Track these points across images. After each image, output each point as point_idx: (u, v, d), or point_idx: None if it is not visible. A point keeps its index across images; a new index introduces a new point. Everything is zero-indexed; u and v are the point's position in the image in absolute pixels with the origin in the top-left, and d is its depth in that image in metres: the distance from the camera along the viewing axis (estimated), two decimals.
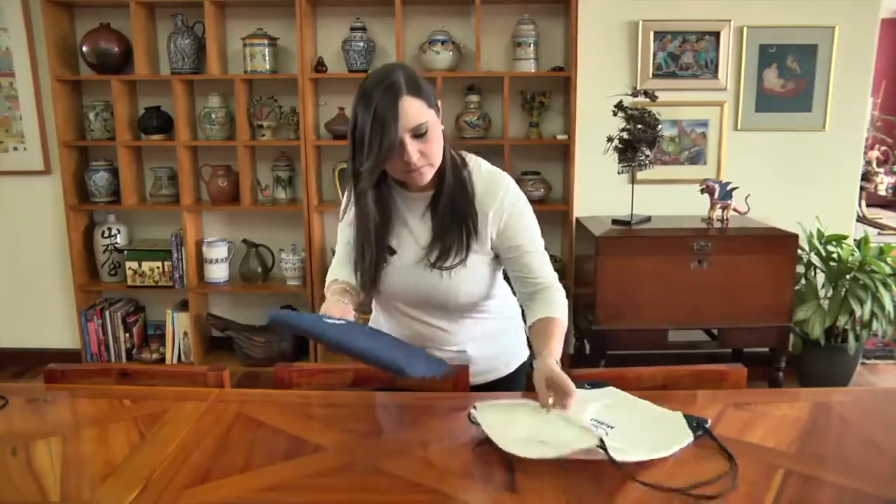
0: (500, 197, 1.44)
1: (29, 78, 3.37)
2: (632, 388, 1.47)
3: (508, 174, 1.52)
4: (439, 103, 1.40)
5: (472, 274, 1.46)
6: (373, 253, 1.46)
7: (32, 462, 1.16)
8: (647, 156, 2.89)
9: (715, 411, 1.32)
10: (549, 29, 3.29)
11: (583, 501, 1.03)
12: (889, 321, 3.02)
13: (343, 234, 1.61)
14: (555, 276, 1.50)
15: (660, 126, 2.89)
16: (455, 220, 1.42)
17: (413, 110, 1.30)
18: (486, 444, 1.17)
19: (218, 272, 3.44)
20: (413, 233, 1.46)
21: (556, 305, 1.44)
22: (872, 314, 3.01)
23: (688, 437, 1.19)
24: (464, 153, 1.50)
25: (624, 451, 1.11)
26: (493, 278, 1.53)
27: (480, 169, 1.47)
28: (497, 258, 1.50)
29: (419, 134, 1.31)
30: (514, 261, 1.47)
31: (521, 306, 1.55)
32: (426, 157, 1.34)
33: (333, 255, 1.66)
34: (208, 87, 3.32)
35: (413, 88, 1.31)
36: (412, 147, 1.31)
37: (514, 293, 1.56)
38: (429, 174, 1.37)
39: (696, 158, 3.42)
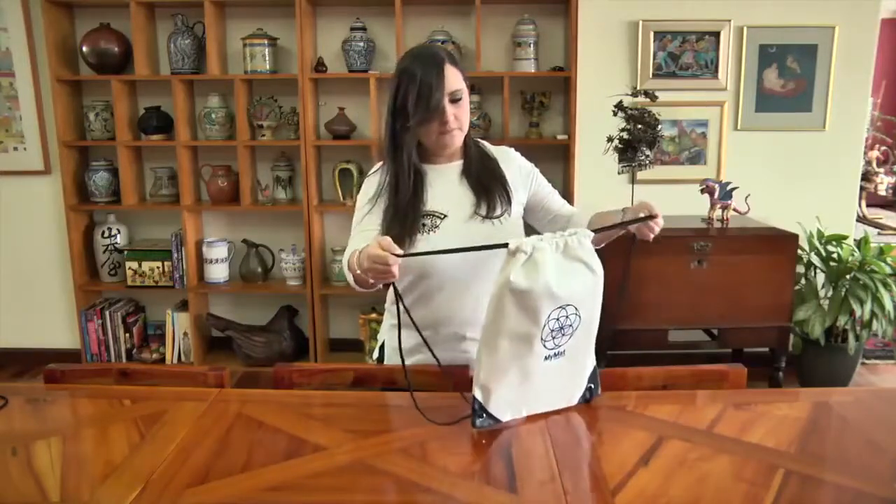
0: (516, 160, 1.69)
1: (29, 78, 3.37)
2: (631, 388, 1.48)
3: None
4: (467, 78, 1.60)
5: (516, 223, 1.62)
6: (409, 209, 1.53)
7: (32, 462, 1.16)
8: (647, 156, 2.89)
9: (715, 411, 1.32)
10: (549, 29, 3.29)
11: (583, 502, 1.03)
12: (889, 321, 3.02)
13: (363, 215, 1.59)
14: None
15: (660, 126, 2.89)
16: (491, 177, 1.61)
17: (452, 77, 1.51)
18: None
19: (218, 272, 3.44)
20: (455, 196, 1.59)
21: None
22: (872, 314, 3.00)
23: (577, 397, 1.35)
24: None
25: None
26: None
27: (488, 144, 1.71)
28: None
29: (455, 99, 1.52)
30: (547, 207, 1.70)
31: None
32: (459, 120, 1.54)
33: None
34: (208, 87, 3.32)
35: (452, 60, 1.53)
36: (449, 109, 1.51)
37: None
38: (459, 138, 1.57)
39: (696, 158, 3.42)
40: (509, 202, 1.60)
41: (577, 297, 1.27)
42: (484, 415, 1.24)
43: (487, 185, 1.59)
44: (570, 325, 1.28)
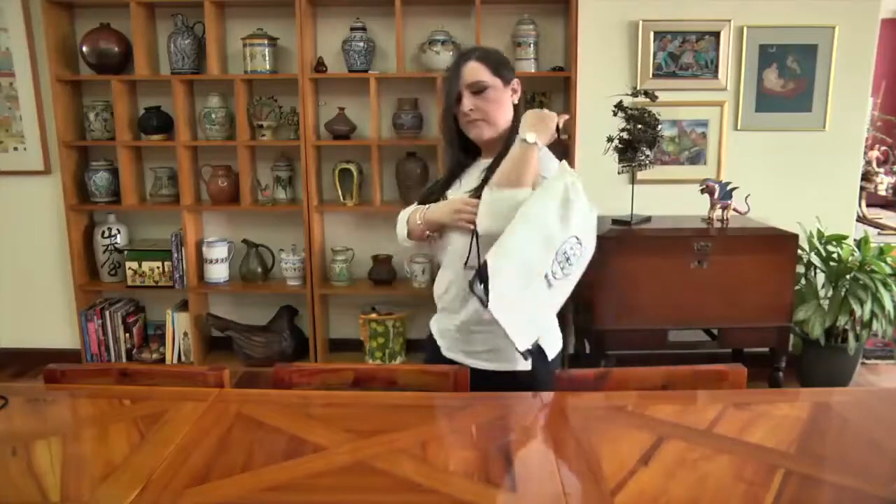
0: (550, 173, 1.57)
1: (29, 78, 3.36)
2: (632, 388, 1.48)
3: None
4: (515, 82, 1.67)
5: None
6: (434, 193, 1.71)
7: (32, 462, 1.16)
8: (647, 156, 2.89)
9: (715, 411, 1.32)
10: (549, 29, 3.29)
11: (583, 501, 1.03)
12: (889, 321, 3.02)
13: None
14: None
15: (660, 126, 2.89)
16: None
17: (473, 70, 1.60)
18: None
19: (218, 272, 3.44)
20: (467, 189, 1.65)
21: None
22: (872, 314, 3.00)
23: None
24: (562, 162, 1.57)
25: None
26: None
27: (552, 161, 1.61)
28: None
29: (476, 91, 1.60)
30: None
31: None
32: (481, 112, 1.61)
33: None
34: (208, 87, 3.32)
35: (482, 58, 1.62)
36: (468, 99, 1.60)
37: None
38: (484, 130, 1.63)
39: (696, 158, 3.42)
40: None
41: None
42: (483, 287, 1.37)
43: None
44: (575, 255, 1.45)
